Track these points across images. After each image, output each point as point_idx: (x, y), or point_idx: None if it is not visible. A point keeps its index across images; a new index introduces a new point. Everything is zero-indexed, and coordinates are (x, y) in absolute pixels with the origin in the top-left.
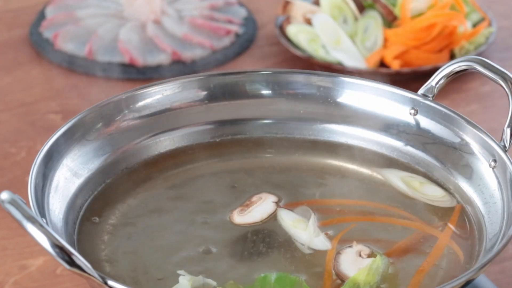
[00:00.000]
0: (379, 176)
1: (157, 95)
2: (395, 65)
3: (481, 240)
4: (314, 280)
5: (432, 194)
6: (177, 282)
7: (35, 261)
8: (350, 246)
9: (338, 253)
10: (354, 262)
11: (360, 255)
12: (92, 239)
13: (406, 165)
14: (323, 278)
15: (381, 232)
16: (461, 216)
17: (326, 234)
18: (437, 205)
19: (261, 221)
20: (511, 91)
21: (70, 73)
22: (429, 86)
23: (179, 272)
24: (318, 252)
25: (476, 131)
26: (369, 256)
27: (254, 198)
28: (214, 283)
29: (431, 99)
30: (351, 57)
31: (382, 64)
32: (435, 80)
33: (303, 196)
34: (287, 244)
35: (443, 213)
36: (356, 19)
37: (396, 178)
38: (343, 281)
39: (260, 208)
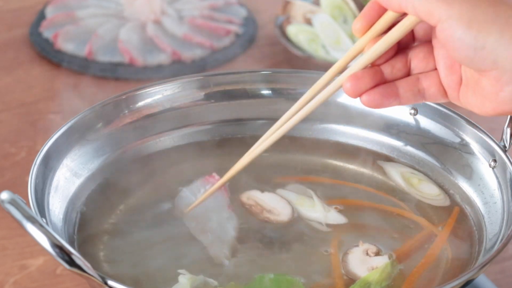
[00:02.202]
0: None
1: (157, 95)
2: None
3: (481, 240)
4: (323, 276)
5: (428, 192)
6: (177, 281)
7: (35, 261)
8: (357, 246)
9: (345, 253)
10: (363, 261)
11: (367, 254)
12: (92, 239)
13: (406, 165)
14: (333, 277)
15: (382, 221)
16: (460, 216)
17: (336, 208)
18: (430, 203)
19: (291, 216)
20: None
21: (70, 73)
22: None
23: (179, 271)
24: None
25: (476, 131)
26: (377, 254)
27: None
28: (215, 282)
29: None
30: None
31: None
32: None
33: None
34: (289, 241)
35: (443, 212)
36: None
37: (396, 173)
38: (352, 280)
39: (277, 203)
